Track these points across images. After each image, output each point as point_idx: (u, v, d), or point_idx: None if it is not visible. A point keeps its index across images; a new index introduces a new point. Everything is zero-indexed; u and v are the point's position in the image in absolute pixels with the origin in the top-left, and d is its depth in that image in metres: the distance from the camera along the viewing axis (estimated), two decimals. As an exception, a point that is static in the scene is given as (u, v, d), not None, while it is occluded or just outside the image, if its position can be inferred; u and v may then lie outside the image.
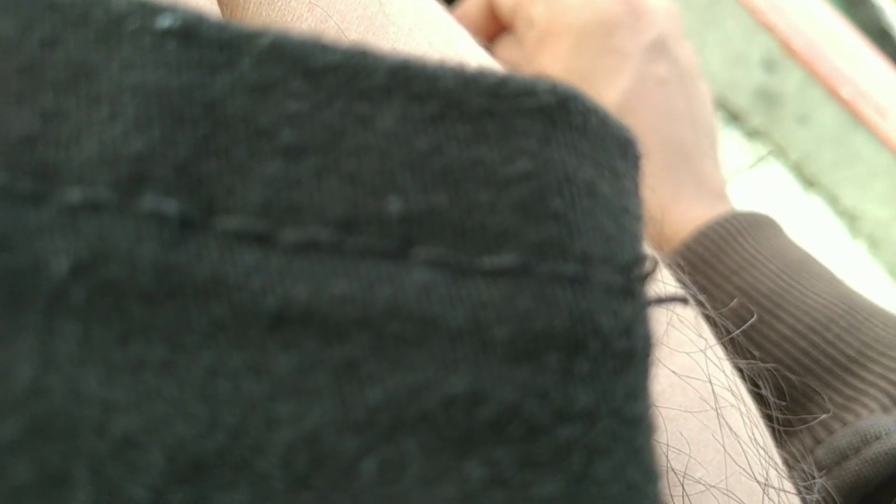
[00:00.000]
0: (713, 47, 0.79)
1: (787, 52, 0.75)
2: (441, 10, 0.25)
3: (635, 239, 0.12)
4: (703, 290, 0.29)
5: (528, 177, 0.11)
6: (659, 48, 0.43)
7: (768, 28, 0.75)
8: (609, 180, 0.12)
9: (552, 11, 0.41)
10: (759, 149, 0.80)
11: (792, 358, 0.33)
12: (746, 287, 0.34)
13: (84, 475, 0.10)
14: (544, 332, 0.11)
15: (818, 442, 0.30)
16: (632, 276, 0.12)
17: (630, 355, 0.12)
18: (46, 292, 0.10)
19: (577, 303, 0.11)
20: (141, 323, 0.10)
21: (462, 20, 0.39)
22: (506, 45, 0.44)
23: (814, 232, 0.76)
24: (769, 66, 0.77)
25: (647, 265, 0.12)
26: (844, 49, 0.74)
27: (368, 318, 0.11)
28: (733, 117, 0.80)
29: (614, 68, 0.40)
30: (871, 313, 0.34)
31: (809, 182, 0.79)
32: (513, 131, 0.12)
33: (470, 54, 0.24)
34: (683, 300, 0.13)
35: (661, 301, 0.13)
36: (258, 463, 0.10)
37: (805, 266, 0.36)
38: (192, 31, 0.11)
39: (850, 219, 0.78)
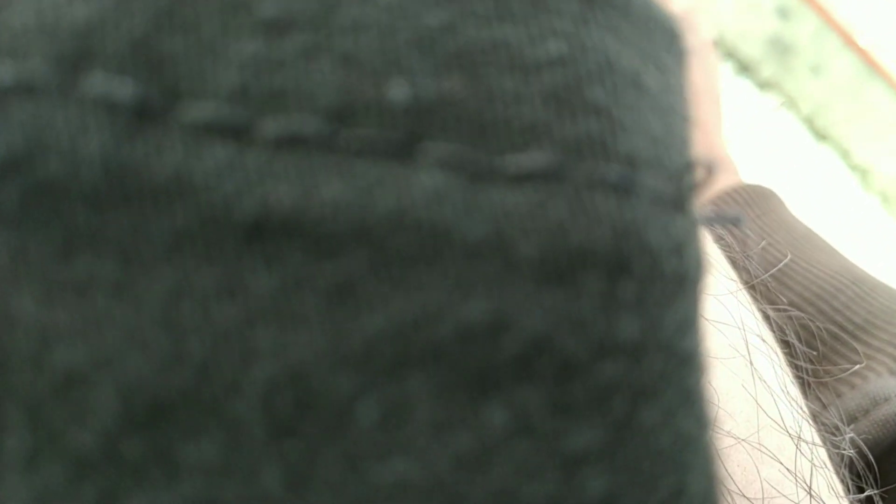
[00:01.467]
0: (725, -6, 0.76)
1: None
2: None
3: (685, 143, 0.10)
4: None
5: (561, 61, 0.09)
6: (682, 22, 0.42)
7: (782, -26, 0.72)
8: (654, 74, 0.10)
9: None
10: (770, 100, 0.78)
11: (800, 324, 0.32)
12: (755, 256, 0.34)
13: (18, 418, 0.08)
14: (581, 248, 0.09)
15: (826, 405, 0.30)
16: (682, 185, 0.10)
17: (681, 279, 0.10)
18: None
19: (621, 213, 0.09)
20: (87, 232, 0.08)
21: None
22: None
23: (826, 185, 0.74)
24: (783, 13, 0.74)
25: (700, 174, 0.10)
26: (862, -5, 0.72)
27: (367, 228, 0.09)
28: (744, 67, 0.78)
29: None
30: (874, 286, 0.34)
31: (822, 135, 0.76)
32: (543, 8, 0.10)
33: None
34: (737, 220, 0.11)
35: (715, 218, 0.11)
36: (232, 405, 0.08)
37: (810, 239, 0.36)
38: None
39: (862, 173, 0.76)
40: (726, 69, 0.77)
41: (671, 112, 0.10)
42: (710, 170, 0.10)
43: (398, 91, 0.09)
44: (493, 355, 0.09)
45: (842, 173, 0.77)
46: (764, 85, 0.78)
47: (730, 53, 0.79)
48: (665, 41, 0.11)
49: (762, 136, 0.75)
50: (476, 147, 0.09)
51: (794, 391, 0.22)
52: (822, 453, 0.22)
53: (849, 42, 0.72)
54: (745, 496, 0.18)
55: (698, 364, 0.10)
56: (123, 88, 0.08)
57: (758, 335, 0.21)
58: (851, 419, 0.29)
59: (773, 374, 0.20)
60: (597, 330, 0.09)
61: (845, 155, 0.77)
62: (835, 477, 0.21)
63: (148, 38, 0.09)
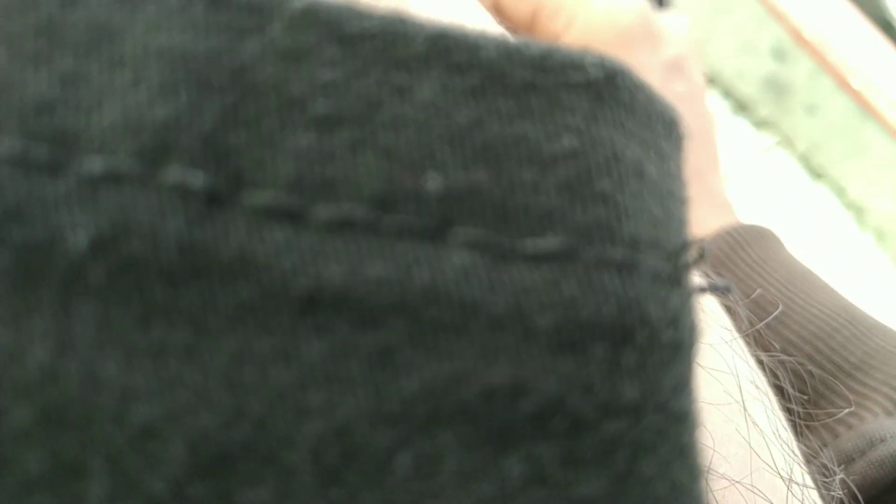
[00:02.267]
0: (723, 35, 0.78)
1: (797, 41, 0.74)
2: None
3: (682, 224, 0.12)
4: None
5: (574, 155, 0.11)
6: (677, 67, 0.44)
7: (778, 17, 0.74)
8: (655, 161, 0.12)
9: (573, 24, 0.41)
10: (766, 139, 0.79)
11: (792, 370, 0.33)
12: (758, 293, 0.35)
13: (100, 467, 0.10)
14: (591, 321, 0.10)
15: (823, 445, 0.30)
16: (679, 263, 0.11)
17: (677, 347, 0.11)
18: (63, 269, 0.09)
19: (624, 290, 0.10)
20: (163, 304, 0.10)
21: None
22: None
23: (821, 223, 0.76)
24: (779, 55, 0.76)
25: (694, 252, 0.12)
26: (855, 39, 0.74)
27: (405, 302, 0.10)
28: (741, 107, 0.79)
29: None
30: (870, 326, 0.35)
31: (817, 173, 0.78)
32: (558, 106, 0.11)
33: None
34: (727, 289, 0.13)
35: (706, 290, 0.12)
36: (286, 456, 0.10)
37: (808, 278, 0.37)
38: None
39: (857, 211, 0.77)
40: (723, 108, 0.79)
41: (669, 196, 0.12)
42: (703, 250, 0.11)
43: (433, 182, 0.10)
44: (512, 414, 0.10)
45: (837, 211, 0.78)
46: (760, 124, 0.80)
47: (727, 93, 0.80)
48: (664, 130, 0.12)
49: (758, 174, 0.76)
50: (499, 231, 0.10)
51: (786, 435, 0.23)
52: (814, 494, 0.23)
53: (843, 83, 0.74)
54: (738, 535, 0.19)
55: (691, 421, 0.11)
56: (196, 178, 0.10)
57: (751, 381, 0.22)
58: (848, 460, 0.30)
59: (765, 418, 0.22)
60: (603, 393, 0.10)
61: (840, 193, 0.79)
62: None
63: (216, 133, 0.10)
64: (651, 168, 0.11)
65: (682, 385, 0.11)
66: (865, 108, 0.72)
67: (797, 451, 0.23)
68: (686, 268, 0.11)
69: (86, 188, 0.10)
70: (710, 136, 0.46)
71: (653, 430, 0.10)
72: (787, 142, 0.78)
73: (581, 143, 0.11)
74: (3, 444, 0.09)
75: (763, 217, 0.66)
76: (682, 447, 0.11)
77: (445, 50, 0.11)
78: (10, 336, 0.09)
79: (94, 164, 0.10)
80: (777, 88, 0.78)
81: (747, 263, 0.37)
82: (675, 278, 0.11)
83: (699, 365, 0.21)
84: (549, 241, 0.10)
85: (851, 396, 0.32)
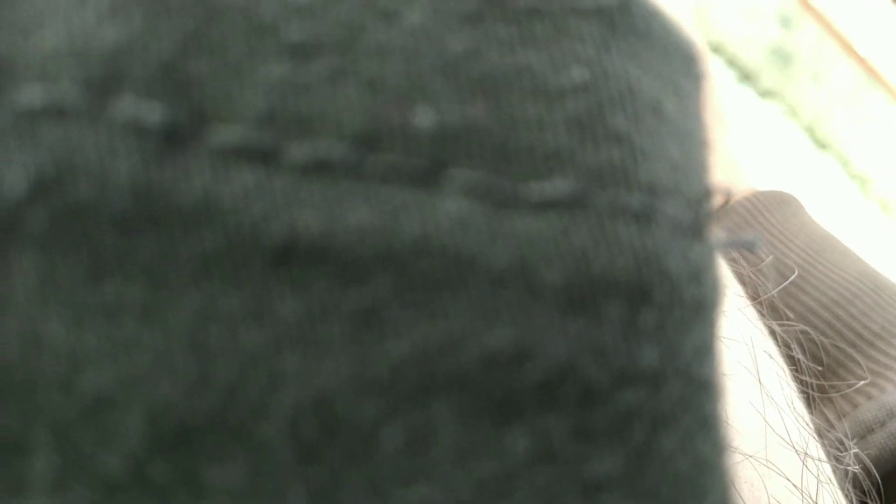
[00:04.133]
0: (727, 3, 0.76)
1: (803, 7, 0.73)
2: None
3: (703, 168, 0.10)
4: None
5: (584, 88, 0.09)
6: (698, 47, 0.43)
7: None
8: (674, 99, 0.10)
9: None
10: (772, 108, 0.78)
11: (817, 329, 0.32)
12: (774, 261, 0.34)
13: (46, 441, 0.08)
14: (604, 277, 0.09)
15: (842, 415, 0.29)
16: (701, 211, 0.10)
17: (700, 305, 0.10)
18: (1, 220, 0.08)
19: (642, 241, 0.09)
20: (116, 256, 0.08)
21: None
22: None
23: (826, 194, 0.74)
24: (784, 22, 0.75)
25: (717, 199, 0.10)
26: (862, 5, 0.72)
27: (392, 254, 0.09)
28: (746, 76, 0.78)
29: None
30: (894, 293, 0.33)
31: (822, 144, 0.77)
32: (566, 34, 0.10)
33: None
34: (752, 244, 0.11)
35: (731, 243, 0.11)
36: (258, 429, 0.08)
37: (829, 242, 0.36)
38: None
39: (862, 182, 0.76)
40: (728, 77, 0.77)
41: (689, 138, 0.10)
42: (727, 195, 0.10)
43: (424, 118, 0.09)
44: (516, 382, 0.09)
45: (842, 181, 0.77)
46: (765, 93, 0.78)
47: (731, 62, 0.79)
48: (683, 66, 0.11)
49: (764, 143, 0.75)
50: (500, 174, 0.09)
51: (801, 407, 0.22)
52: (828, 469, 0.22)
53: (848, 51, 0.72)
54: (752, 512, 0.18)
55: (715, 389, 0.10)
56: (152, 112, 0.09)
57: (765, 351, 0.21)
58: (868, 430, 0.29)
59: (779, 390, 0.21)
60: (618, 357, 0.09)
61: (845, 164, 0.77)
62: (839, 492, 0.22)
63: (175, 61, 0.09)
64: (669, 105, 0.10)
65: (705, 349, 0.10)
66: (871, 75, 0.71)
67: (811, 424, 0.22)
68: (709, 217, 0.10)
69: (24, 122, 0.08)
70: (710, 101, 0.44)
71: (673, 400, 0.09)
72: (793, 112, 0.77)
73: (592, 76, 0.10)
74: None
75: (769, 186, 0.64)
76: (705, 418, 0.10)
77: None
78: None
79: (34, 95, 0.08)
80: (783, 57, 0.76)
81: (767, 229, 0.36)
82: (696, 229, 0.10)
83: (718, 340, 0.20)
84: (557, 186, 0.09)
85: (872, 366, 0.31)
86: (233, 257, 0.08)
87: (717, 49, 0.77)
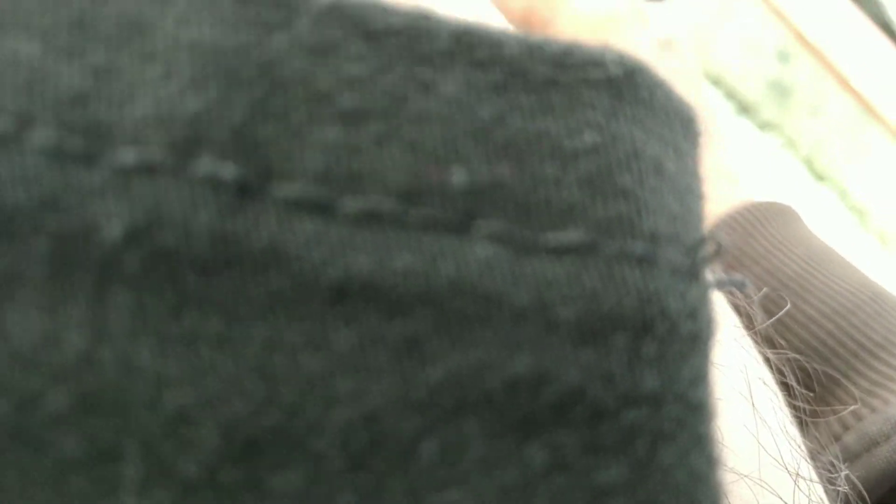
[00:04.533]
0: (727, 38, 0.78)
1: (800, 43, 0.75)
2: None
3: (699, 219, 0.12)
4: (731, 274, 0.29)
5: (595, 150, 0.11)
6: (669, 45, 0.44)
7: (781, 19, 0.74)
8: (674, 158, 0.12)
9: (559, 13, 0.41)
10: (770, 140, 0.79)
11: (818, 340, 0.33)
12: (774, 270, 0.35)
13: (135, 451, 0.10)
14: (612, 313, 0.10)
15: (846, 428, 0.30)
16: (697, 257, 0.11)
17: (695, 338, 0.11)
18: (98, 259, 0.10)
19: (645, 283, 0.11)
20: (196, 294, 0.10)
21: None
22: None
23: (825, 226, 0.76)
24: (783, 57, 0.76)
25: (711, 247, 0.12)
26: (858, 41, 0.74)
27: (431, 293, 0.10)
28: (744, 109, 0.80)
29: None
30: (895, 305, 0.34)
31: (820, 176, 0.78)
32: (579, 103, 0.11)
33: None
34: (742, 284, 0.13)
35: (722, 284, 0.12)
36: (314, 442, 0.10)
37: (828, 254, 0.37)
38: None
39: (860, 214, 0.77)
40: (727, 110, 0.79)
41: (688, 192, 0.12)
42: (720, 245, 0.12)
43: (457, 176, 0.10)
44: (535, 403, 0.10)
45: (840, 213, 0.78)
46: (764, 126, 0.80)
47: (731, 94, 0.81)
48: (682, 128, 0.12)
49: (763, 175, 0.76)
50: (522, 225, 0.10)
51: (793, 431, 0.23)
52: (820, 490, 0.23)
53: (845, 85, 0.74)
54: (746, 530, 0.20)
55: (709, 411, 0.11)
56: (226, 170, 0.10)
57: (759, 378, 0.22)
58: (873, 443, 0.29)
59: (773, 414, 0.22)
60: (623, 383, 0.10)
61: (843, 195, 0.79)
62: None
63: (245, 125, 0.10)
64: (670, 164, 0.12)
65: (700, 376, 0.11)
66: (868, 109, 0.72)
67: (803, 447, 0.23)
68: (704, 262, 0.11)
69: (119, 179, 0.10)
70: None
71: (672, 420, 0.11)
72: (791, 144, 0.79)
73: (602, 139, 0.11)
74: (41, 427, 0.10)
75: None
76: (699, 436, 0.11)
77: (469, 46, 0.11)
78: (46, 322, 0.10)
79: (128, 156, 0.10)
80: (781, 90, 0.78)
81: (767, 239, 0.37)
82: (693, 272, 0.11)
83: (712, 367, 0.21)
84: (571, 235, 0.11)
85: (876, 377, 0.32)
86: (295, 295, 0.10)
87: (716, 82, 0.79)
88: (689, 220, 0.12)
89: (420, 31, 0.11)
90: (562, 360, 0.10)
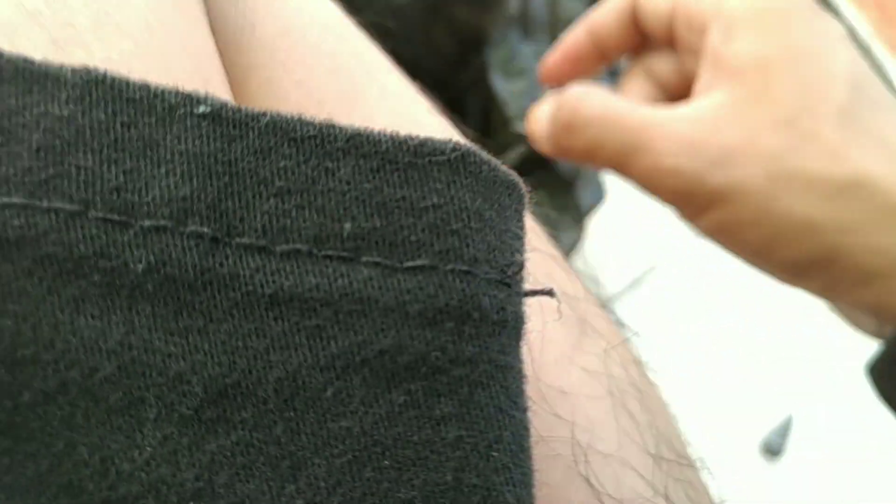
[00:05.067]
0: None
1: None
2: (401, 81, 0.31)
3: (513, 249, 0.19)
4: None
5: (437, 207, 0.18)
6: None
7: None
8: (496, 209, 0.19)
9: (713, 26, 0.35)
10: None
11: None
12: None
13: (153, 399, 0.16)
14: (444, 308, 0.17)
15: None
16: (507, 272, 0.18)
17: (502, 324, 0.18)
18: (130, 284, 0.16)
19: (466, 289, 0.17)
20: (188, 303, 0.16)
21: (598, 31, 0.39)
22: (657, 61, 0.39)
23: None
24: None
25: (519, 267, 0.18)
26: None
27: (331, 299, 0.17)
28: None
29: (828, 46, 0.34)
30: None
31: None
32: (428, 177, 0.18)
33: (422, 119, 0.30)
34: (550, 293, 0.19)
35: (532, 293, 0.19)
36: (259, 391, 0.16)
37: None
38: (218, 113, 0.17)
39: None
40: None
41: (505, 231, 0.18)
42: (522, 265, 0.18)
43: (348, 227, 0.17)
44: (395, 364, 0.17)
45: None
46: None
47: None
48: (506, 189, 0.19)
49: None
50: (389, 256, 0.17)
51: (665, 425, 0.29)
52: (689, 472, 0.29)
53: None
54: (613, 497, 0.26)
55: (516, 371, 0.18)
56: (204, 230, 0.17)
57: (631, 383, 0.29)
58: None
59: (639, 410, 0.28)
60: (452, 351, 0.17)
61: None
62: (696, 487, 0.29)
63: (216, 201, 0.17)
64: (491, 214, 0.18)
65: (506, 348, 0.18)
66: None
67: (674, 438, 0.29)
68: (514, 275, 0.18)
69: (142, 236, 0.16)
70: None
71: (485, 375, 0.17)
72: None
73: (441, 200, 0.18)
74: (98, 386, 0.16)
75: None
76: (505, 387, 0.17)
77: (358, 144, 0.18)
78: (98, 323, 0.16)
79: (147, 222, 0.16)
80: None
81: None
82: (503, 281, 0.18)
83: (585, 369, 0.27)
84: (419, 261, 0.17)
85: None
86: (246, 305, 0.16)
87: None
88: (504, 249, 0.18)
89: (327, 135, 0.18)
90: (413, 337, 0.17)
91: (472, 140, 0.20)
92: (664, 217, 0.40)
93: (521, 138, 0.61)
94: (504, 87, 0.65)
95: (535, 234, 0.30)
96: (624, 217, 0.82)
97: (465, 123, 0.64)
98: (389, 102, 0.30)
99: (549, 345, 0.26)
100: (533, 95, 0.64)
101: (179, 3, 0.24)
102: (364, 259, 0.17)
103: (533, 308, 0.22)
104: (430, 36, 0.69)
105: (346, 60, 0.30)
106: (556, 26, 0.65)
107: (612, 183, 0.70)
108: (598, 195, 0.69)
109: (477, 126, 0.71)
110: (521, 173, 0.20)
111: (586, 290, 0.31)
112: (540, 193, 0.60)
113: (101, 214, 0.16)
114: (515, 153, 0.63)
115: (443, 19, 0.69)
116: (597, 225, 0.75)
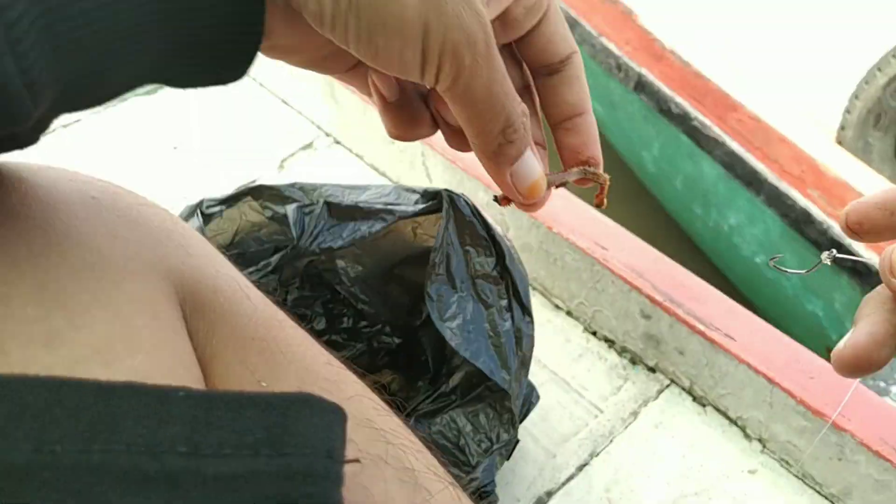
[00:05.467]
0: (603, 310, 1.02)
1: (654, 304, 0.97)
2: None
3: (337, 442, 0.33)
4: None
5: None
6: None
7: (637, 289, 0.98)
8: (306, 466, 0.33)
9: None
10: (659, 380, 1.00)
11: None
12: None
13: None
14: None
15: None
16: (331, 454, 0.32)
17: (325, 477, 0.32)
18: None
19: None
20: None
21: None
22: None
23: (715, 443, 0.93)
24: (646, 315, 0.99)
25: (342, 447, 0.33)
26: (693, 293, 0.97)
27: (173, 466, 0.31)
28: (633, 361, 1.01)
29: None
30: None
31: (702, 403, 0.97)
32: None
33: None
34: (356, 460, 0.34)
35: (350, 460, 0.33)
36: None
37: None
38: None
39: (741, 426, 0.95)
40: (623, 363, 1.00)
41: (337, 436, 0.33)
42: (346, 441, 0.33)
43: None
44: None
45: (726, 428, 0.96)
46: (651, 370, 1.01)
47: (623, 351, 1.02)
48: (325, 453, 0.34)
49: (658, 410, 0.95)
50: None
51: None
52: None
53: (693, 329, 0.95)
54: None
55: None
56: None
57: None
58: None
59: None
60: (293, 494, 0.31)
61: (725, 413, 0.97)
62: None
63: None
64: (344, 451, 0.33)
65: (336, 479, 0.32)
66: (713, 343, 0.93)
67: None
68: (336, 451, 0.32)
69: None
70: None
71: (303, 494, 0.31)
72: (674, 379, 0.99)
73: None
74: None
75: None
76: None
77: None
78: None
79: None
80: (654, 340, 0.99)
81: None
82: (329, 455, 0.32)
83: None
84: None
85: None
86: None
87: (610, 343, 1.00)
88: (334, 443, 0.33)
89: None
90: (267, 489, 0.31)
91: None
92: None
93: (467, 364, 0.75)
94: (444, 326, 0.80)
95: None
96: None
97: (421, 356, 0.78)
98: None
99: None
100: (466, 329, 0.79)
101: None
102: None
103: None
104: (387, 294, 0.86)
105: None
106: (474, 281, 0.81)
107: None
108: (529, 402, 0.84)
109: (433, 355, 0.85)
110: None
111: None
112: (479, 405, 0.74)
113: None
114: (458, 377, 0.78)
115: (395, 279, 0.86)
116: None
